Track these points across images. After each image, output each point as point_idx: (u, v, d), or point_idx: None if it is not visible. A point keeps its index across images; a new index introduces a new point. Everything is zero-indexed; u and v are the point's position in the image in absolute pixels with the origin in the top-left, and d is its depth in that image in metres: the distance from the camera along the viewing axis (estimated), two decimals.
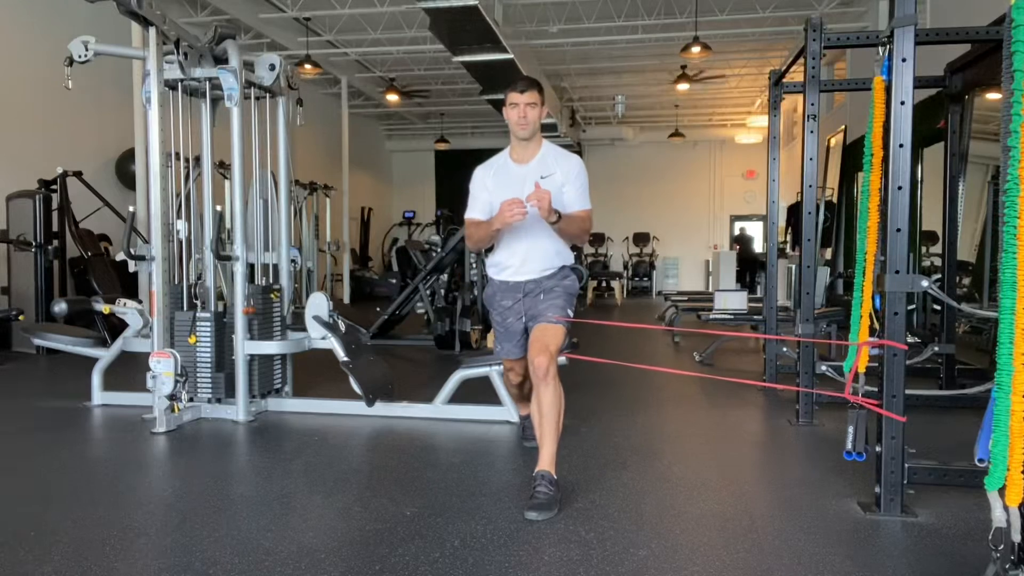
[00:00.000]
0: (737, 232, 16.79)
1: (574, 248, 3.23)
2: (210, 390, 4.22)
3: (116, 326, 5.77)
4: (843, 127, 9.96)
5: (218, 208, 4.30)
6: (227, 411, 4.18)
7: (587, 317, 10.39)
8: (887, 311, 2.56)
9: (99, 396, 4.56)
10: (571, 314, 3.04)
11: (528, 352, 2.92)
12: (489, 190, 3.03)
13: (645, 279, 16.24)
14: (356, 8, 9.83)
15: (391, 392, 4.43)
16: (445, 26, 8.00)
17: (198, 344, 4.18)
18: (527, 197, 2.79)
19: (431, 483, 3.04)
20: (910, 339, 3.45)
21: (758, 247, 15.69)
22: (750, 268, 14.46)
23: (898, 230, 2.54)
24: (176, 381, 3.88)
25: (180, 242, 4.31)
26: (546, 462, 2.76)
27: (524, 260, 3.06)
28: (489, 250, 3.22)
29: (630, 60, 12.22)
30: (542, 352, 2.83)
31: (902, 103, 2.53)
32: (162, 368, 3.89)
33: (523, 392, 3.46)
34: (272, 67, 4.41)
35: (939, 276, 4.69)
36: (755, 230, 16.56)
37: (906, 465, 2.60)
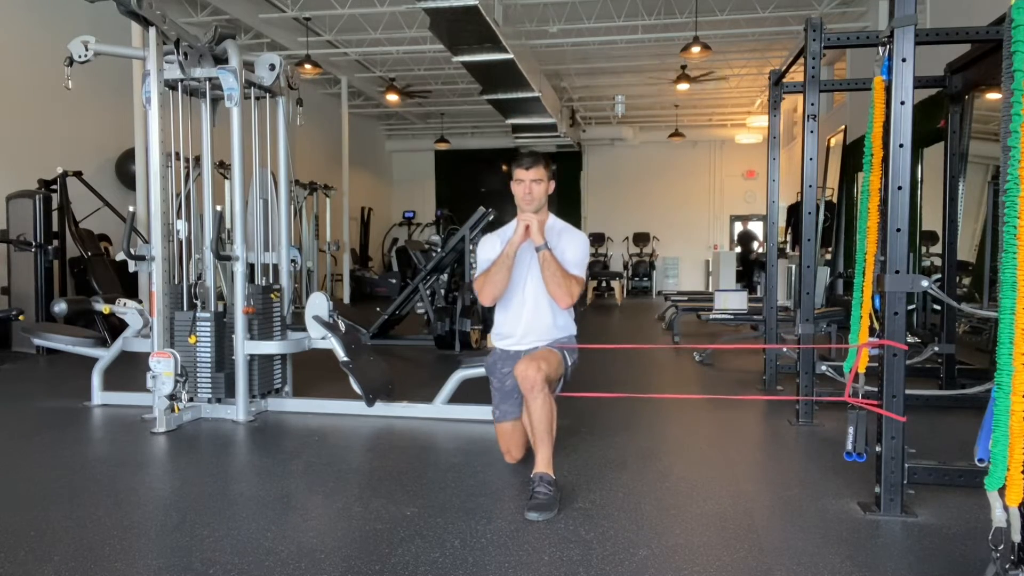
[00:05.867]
0: (739, 230, 16.76)
1: None
2: (210, 390, 4.22)
3: (116, 326, 5.78)
4: (843, 127, 9.96)
5: (218, 208, 4.30)
6: (227, 411, 4.18)
7: (586, 319, 10.40)
8: (887, 311, 2.56)
9: (99, 396, 4.56)
10: (568, 358, 3.09)
11: (517, 367, 2.88)
12: (497, 252, 3.08)
13: (645, 279, 16.23)
14: (356, 8, 9.82)
15: (391, 392, 4.43)
16: (445, 26, 8.00)
17: (198, 344, 4.18)
18: (519, 219, 3.00)
19: (431, 483, 3.04)
20: (910, 339, 3.45)
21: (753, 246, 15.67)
22: (750, 268, 14.43)
23: (898, 230, 2.54)
24: (176, 381, 3.88)
25: (180, 242, 4.31)
26: (543, 464, 2.77)
27: (526, 331, 3.12)
28: (492, 311, 3.28)
29: (630, 60, 12.21)
30: (530, 364, 2.81)
31: (902, 103, 2.53)
32: (162, 368, 3.89)
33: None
34: (272, 67, 4.41)
35: (939, 276, 4.69)
36: (756, 230, 16.54)
37: (906, 465, 2.60)
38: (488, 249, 3.16)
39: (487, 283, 3.06)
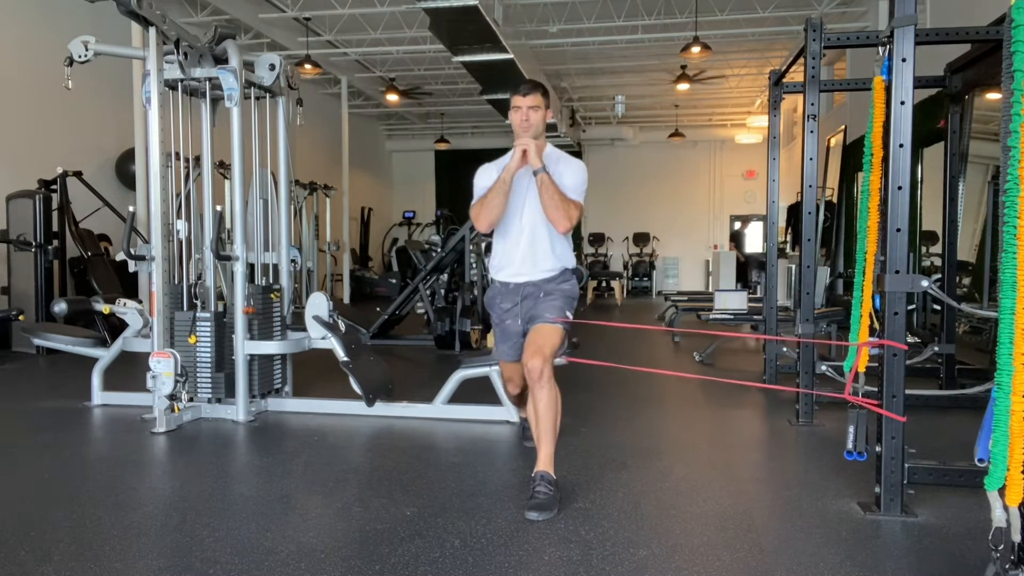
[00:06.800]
0: (734, 229, 16.78)
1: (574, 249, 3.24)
2: (210, 390, 4.22)
3: (116, 326, 5.77)
4: (843, 127, 9.96)
5: (218, 208, 4.30)
6: (227, 411, 4.18)
7: (587, 318, 10.40)
8: (887, 311, 2.56)
9: (99, 396, 4.56)
10: (570, 316, 3.04)
11: (523, 355, 2.90)
12: (494, 180, 3.03)
13: (645, 279, 16.23)
14: (356, 8, 9.82)
15: (391, 392, 4.43)
16: (445, 26, 8.00)
17: (198, 344, 4.18)
18: (516, 144, 2.93)
19: (431, 483, 3.04)
20: (910, 339, 3.45)
21: (750, 246, 15.64)
22: (745, 268, 14.36)
23: (898, 230, 2.54)
24: (176, 381, 3.88)
25: (180, 242, 4.31)
26: (544, 462, 2.77)
27: (524, 258, 3.05)
28: (490, 248, 3.22)
29: (630, 60, 12.21)
30: (536, 355, 2.82)
31: (902, 103, 2.53)
32: (162, 368, 3.89)
33: (523, 401, 3.44)
34: (272, 67, 4.41)
35: (939, 276, 4.69)
36: (753, 229, 16.54)
37: (906, 465, 2.60)
38: (485, 177, 3.10)
39: (484, 208, 3.00)
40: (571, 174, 3.03)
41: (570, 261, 3.13)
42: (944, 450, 3.35)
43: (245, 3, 9.90)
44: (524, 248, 3.05)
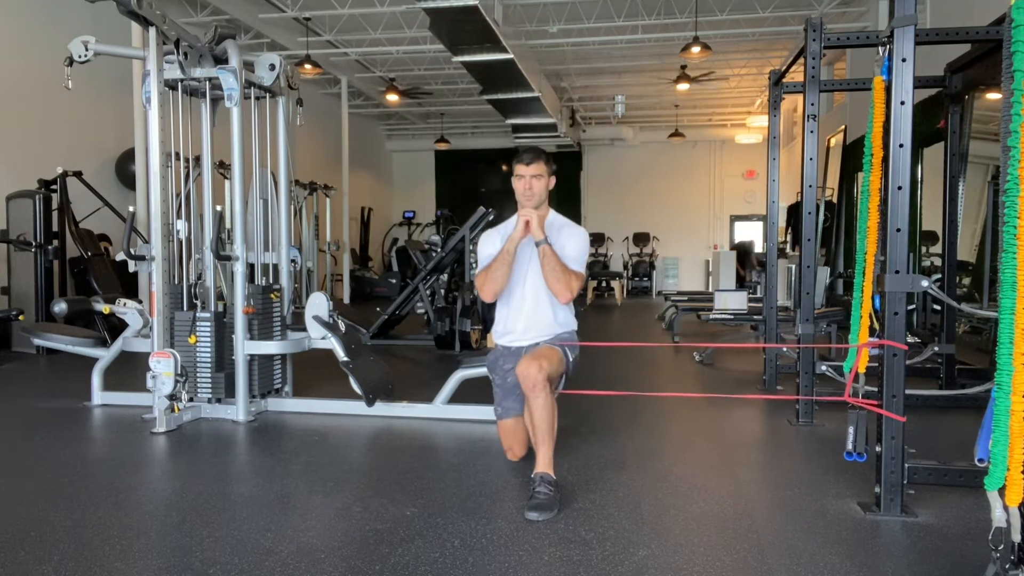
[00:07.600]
0: (738, 240, 16.74)
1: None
2: (210, 390, 4.22)
3: (116, 326, 5.77)
4: (843, 127, 9.96)
5: (218, 208, 4.30)
6: (227, 411, 4.18)
7: (586, 319, 10.40)
8: (887, 311, 2.56)
9: (99, 396, 4.56)
10: (570, 355, 3.09)
11: (518, 367, 2.89)
12: (498, 248, 3.10)
13: (645, 279, 16.23)
14: (356, 8, 9.83)
15: (391, 392, 4.43)
16: (445, 26, 8.01)
17: (198, 344, 4.18)
18: (520, 214, 3.01)
19: (431, 483, 3.04)
20: (910, 339, 3.45)
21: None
22: (744, 271, 14.34)
23: (898, 230, 2.54)
24: (176, 381, 3.88)
25: (180, 242, 4.31)
26: (544, 464, 2.77)
27: (527, 327, 3.14)
28: (493, 307, 3.29)
29: (630, 60, 12.21)
30: (532, 363, 2.82)
31: (902, 103, 2.52)
32: (162, 368, 3.89)
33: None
34: (272, 67, 4.41)
35: (939, 276, 4.69)
36: (753, 232, 16.50)
37: (906, 465, 2.60)
38: (489, 246, 3.18)
39: (488, 280, 3.08)
40: (573, 244, 3.10)
41: (571, 326, 3.22)
42: (944, 450, 3.36)
43: (245, 3, 9.90)
44: (527, 315, 3.13)
